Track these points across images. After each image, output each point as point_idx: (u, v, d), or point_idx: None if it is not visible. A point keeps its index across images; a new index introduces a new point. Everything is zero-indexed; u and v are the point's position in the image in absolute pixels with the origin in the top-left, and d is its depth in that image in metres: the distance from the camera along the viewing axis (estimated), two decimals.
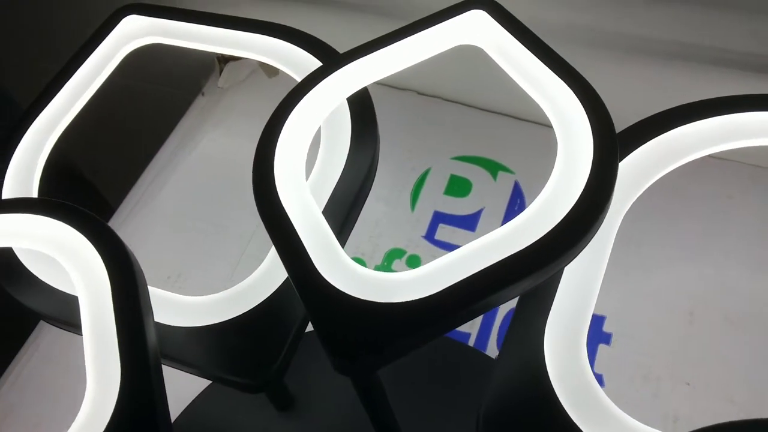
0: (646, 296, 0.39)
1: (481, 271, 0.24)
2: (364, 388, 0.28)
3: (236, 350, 0.29)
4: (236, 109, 0.54)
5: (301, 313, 0.31)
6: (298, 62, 0.39)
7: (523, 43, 0.31)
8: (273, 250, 0.33)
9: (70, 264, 0.27)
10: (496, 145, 0.48)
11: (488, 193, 0.46)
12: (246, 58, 0.56)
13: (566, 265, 0.26)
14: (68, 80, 0.41)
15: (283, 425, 0.36)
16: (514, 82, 0.32)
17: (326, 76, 0.32)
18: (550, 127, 0.52)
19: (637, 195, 0.31)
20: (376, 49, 0.33)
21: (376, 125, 0.35)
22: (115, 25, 0.43)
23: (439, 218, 0.46)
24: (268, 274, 0.31)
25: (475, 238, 0.50)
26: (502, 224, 0.45)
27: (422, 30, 0.33)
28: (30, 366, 0.45)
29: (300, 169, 0.29)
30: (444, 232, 0.45)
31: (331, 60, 0.33)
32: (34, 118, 0.39)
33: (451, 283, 0.24)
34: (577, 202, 0.25)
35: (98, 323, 0.25)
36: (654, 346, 0.39)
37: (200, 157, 0.52)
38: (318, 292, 0.24)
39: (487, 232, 0.51)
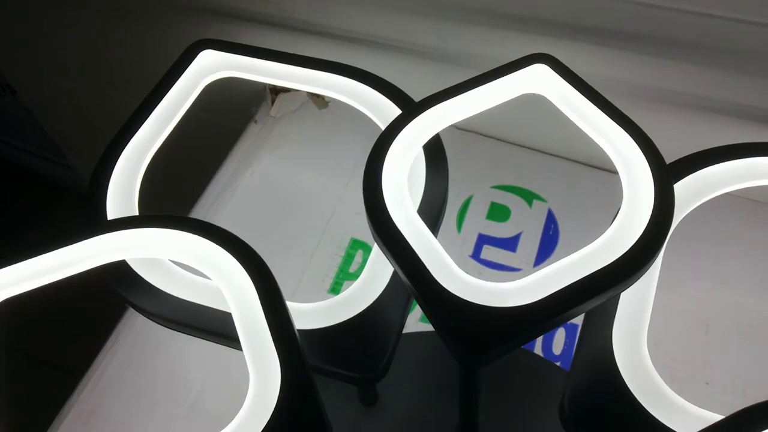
0: (668, 311, 0.45)
1: (575, 282, 0.29)
2: (471, 379, 0.33)
3: (349, 349, 0.34)
4: (289, 137, 0.59)
5: (400, 317, 0.36)
6: (374, 103, 0.44)
7: (580, 92, 0.37)
8: (370, 262, 0.38)
9: (216, 275, 0.32)
10: (530, 177, 0.54)
11: (525, 219, 0.52)
12: (298, 91, 0.61)
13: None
14: (154, 109, 0.45)
15: (369, 420, 0.40)
16: (573, 124, 0.37)
17: (411, 121, 0.37)
18: (578, 162, 0.59)
19: (683, 216, 0.37)
20: (452, 97, 0.38)
21: (446, 164, 0.40)
22: (193, 59, 0.48)
23: (483, 240, 0.51)
24: (369, 284, 0.36)
25: (515, 259, 0.56)
26: (539, 247, 0.51)
27: (492, 80, 0.38)
28: (109, 370, 0.48)
29: (405, 195, 0.34)
30: (488, 252, 0.51)
31: (410, 108, 0.38)
32: (125, 145, 0.43)
33: (553, 291, 0.29)
34: (646, 228, 0.31)
35: (250, 325, 0.30)
36: (677, 352, 0.45)
37: (259, 180, 0.56)
38: (443, 300, 0.29)
39: (526, 254, 0.57)
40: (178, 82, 0.47)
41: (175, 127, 0.45)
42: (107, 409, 0.47)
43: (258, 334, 0.29)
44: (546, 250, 0.51)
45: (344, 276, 0.50)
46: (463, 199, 0.53)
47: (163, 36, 0.64)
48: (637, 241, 0.30)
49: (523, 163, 0.55)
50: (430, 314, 0.29)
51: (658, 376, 0.31)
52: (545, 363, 0.44)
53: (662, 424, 0.29)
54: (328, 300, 0.35)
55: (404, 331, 0.36)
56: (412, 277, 0.30)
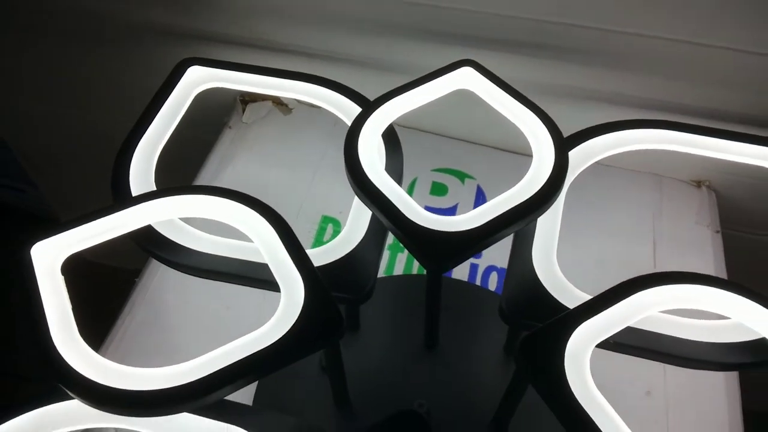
0: (573, 253, 0.58)
1: (506, 211, 0.41)
2: (434, 284, 0.44)
3: (343, 278, 0.44)
4: (260, 139, 0.69)
5: (377, 255, 0.47)
6: (339, 103, 0.55)
7: (498, 87, 0.50)
8: (351, 213, 0.48)
9: (244, 224, 0.42)
10: (461, 161, 0.67)
11: (460, 193, 0.65)
12: (266, 98, 0.72)
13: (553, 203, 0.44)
14: (157, 113, 0.54)
15: (354, 341, 0.51)
16: (492, 110, 0.50)
17: (373, 112, 0.49)
18: (496, 148, 0.72)
19: (576, 175, 0.50)
20: (401, 93, 0.50)
21: (400, 145, 0.52)
22: (183, 73, 0.57)
23: (428, 210, 0.64)
24: (352, 231, 0.47)
25: None
26: None
27: (431, 80, 0.51)
28: (129, 331, 0.56)
29: (377, 161, 0.45)
30: None
31: (370, 103, 0.50)
32: (138, 141, 0.52)
33: (488, 220, 0.41)
34: (549, 176, 0.43)
35: (276, 256, 0.40)
36: (578, 279, 0.58)
37: (239, 175, 0.66)
38: (413, 229, 0.40)
39: None
40: (173, 92, 0.56)
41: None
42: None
43: (282, 261, 0.40)
44: None
45: (319, 244, 0.61)
46: (409, 181, 0.66)
47: (145, 59, 0.73)
48: (543, 185, 0.43)
49: (455, 150, 0.68)
50: (404, 240, 0.41)
51: (563, 276, 0.44)
52: (485, 291, 0.57)
53: (564, 305, 0.42)
54: (324, 245, 0.46)
55: (379, 276, 0.47)
56: (390, 215, 0.41)
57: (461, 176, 0.66)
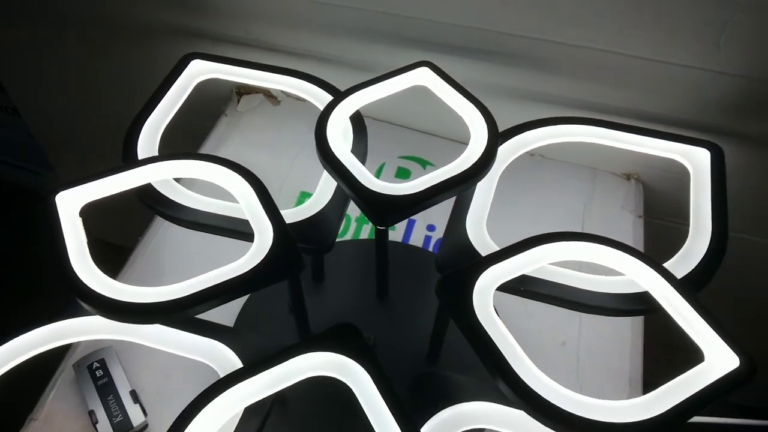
0: (504, 224, 0.67)
1: (440, 182, 0.50)
2: (382, 239, 0.53)
3: (310, 233, 0.53)
4: (252, 126, 0.79)
5: (339, 216, 0.56)
6: (315, 94, 0.65)
7: (449, 84, 0.59)
8: (320, 183, 0.57)
9: (229, 183, 0.51)
10: (422, 149, 0.77)
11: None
12: (258, 91, 0.81)
13: (478, 182, 0.53)
14: (163, 97, 0.63)
15: (318, 290, 0.60)
16: (444, 105, 0.59)
17: (342, 101, 0.58)
18: (449, 139, 0.80)
19: (510, 160, 0.59)
20: (367, 87, 0.59)
21: (365, 129, 0.61)
22: (186, 65, 0.67)
23: None
24: (320, 197, 0.56)
25: None
26: None
27: (393, 77, 0.60)
28: (131, 279, 0.66)
29: (342, 137, 0.54)
30: None
31: (340, 93, 0.59)
32: (146, 119, 0.61)
33: (431, 185, 0.50)
34: (483, 152, 0.52)
35: (253, 210, 0.49)
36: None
37: (232, 155, 0.75)
38: (367, 194, 0.49)
39: None
40: (178, 80, 0.65)
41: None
42: None
43: (257, 211, 0.49)
44: None
45: None
46: (377, 166, 0.75)
47: (153, 55, 0.83)
48: (473, 164, 0.51)
49: (418, 141, 0.78)
50: (358, 201, 0.50)
51: (489, 238, 0.53)
52: (431, 254, 0.66)
53: (486, 257, 0.51)
54: (296, 208, 0.55)
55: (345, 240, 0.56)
56: (347, 181, 0.50)
57: (423, 163, 0.75)
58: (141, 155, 0.57)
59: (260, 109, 0.81)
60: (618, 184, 0.74)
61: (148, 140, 0.58)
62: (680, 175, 0.57)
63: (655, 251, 0.51)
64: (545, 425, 0.40)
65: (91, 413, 0.53)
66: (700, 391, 0.40)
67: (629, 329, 0.61)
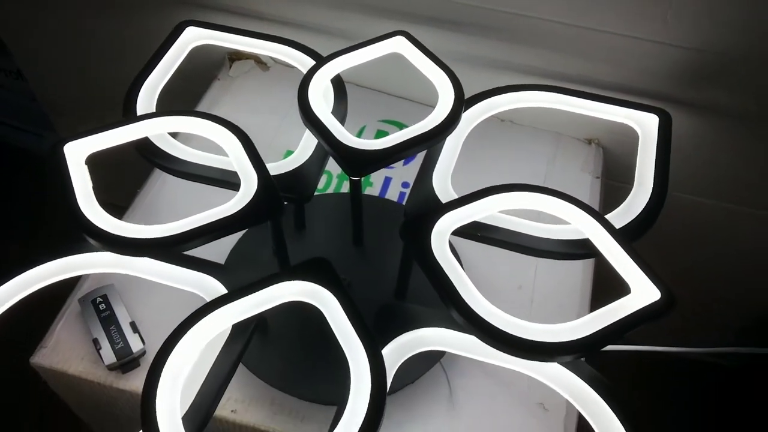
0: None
1: (407, 139, 0.56)
2: (356, 189, 0.59)
3: (293, 184, 0.59)
4: (243, 89, 0.84)
5: (318, 169, 0.61)
6: (300, 59, 0.70)
7: (423, 53, 0.64)
8: (302, 140, 0.63)
9: (219, 137, 0.56)
10: (401, 114, 0.82)
11: None
12: (249, 58, 0.86)
13: (446, 138, 0.58)
14: (160, 61, 0.68)
15: (299, 237, 0.66)
16: (420, 72, 0.64)
17: (324, 65, 0.63)
18: (423, 104, 0.86)
19: (477, 122, 0.64)
20: (347, 53, 0.64)
21: (345, 91, 0.66)
22: (182, 32, 0.71)
23: None
24: (301, 153, 0.62)
25: (395, 166, 0.82)
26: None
27: (371, 44, 0.65)
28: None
29: (323, 98, 0.59)
30: None
31: (322, 59, 0.64)
32: (145, 80, 0.66)
33: (399, 141, 0.55)
34: (448, 114, 0.57)
35: (240, 161, 0.55)
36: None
37: (223, 116, 0.80)
38: (343, 149, 0.54)
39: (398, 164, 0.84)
40: (174, 45, 0.69)
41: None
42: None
43: (244, 162, 0.55)
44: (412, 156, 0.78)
45: None
46: (359, 128, 0.80)
47: (151, 22, 0.87)
48: (442, 120, 0.57)
49: (397, 106, 0.83)
50: (335, 155, 0.55)
51: (452, 190, 0.59)
52: (399, 205, 0.72)
53: (444, 204, 0.56)
54: (280, 162, 0.61)
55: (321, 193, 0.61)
56: (325, 137, 0.56)
57: (400, 126, 0.81)
58: (140, 113, 0.63)
59: (251, 74, 0.85)
60: (579, 148, 0.79)
61: (147, 100, 0.63)
62: (636, 140, 0.62)
63: (612, 209, 0.57)
64: (489, 345, 0.46)
65: (95, 341, 0.59)
66: (625, 317, 0.46)
67: (580, 277, 0.68)
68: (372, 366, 0.43)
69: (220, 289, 0.52)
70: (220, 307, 0.46)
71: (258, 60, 0.86)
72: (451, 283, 0.47)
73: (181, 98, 0.72)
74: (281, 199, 0.53)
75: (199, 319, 0.45)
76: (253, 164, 0.54)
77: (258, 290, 0.47)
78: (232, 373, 0.47)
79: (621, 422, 0.47)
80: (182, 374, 0.43)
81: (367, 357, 0.43)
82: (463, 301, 0.47)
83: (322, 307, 0.46)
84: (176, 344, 0.44)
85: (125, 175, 0.77)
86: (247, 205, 0.51)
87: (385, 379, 0.43)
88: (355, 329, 0.45)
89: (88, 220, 0.50)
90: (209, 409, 0.45)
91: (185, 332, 0.44)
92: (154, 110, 0.63)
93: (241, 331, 0.47)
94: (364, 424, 0.40)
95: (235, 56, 0.86)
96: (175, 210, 0.72)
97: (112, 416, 0.64)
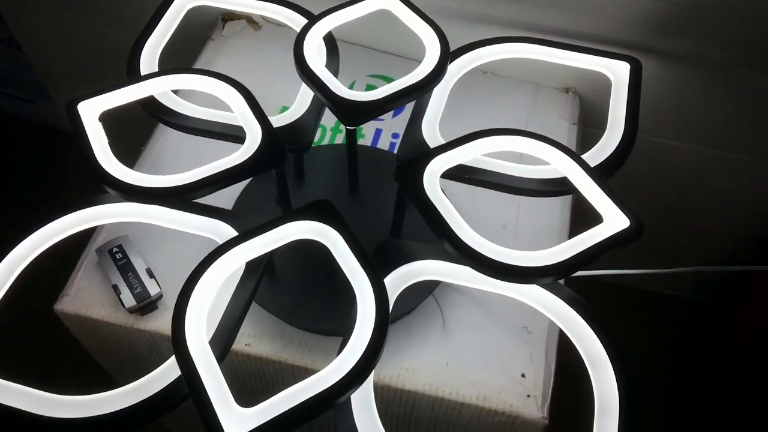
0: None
1: (397, 90, 0.60)
2: (352, 138, 0.63)
3: (293, 136, 0.63)
4: (236, 48, 0.86)
5: (315, 121, 0.65)
6: (293, 18, 0.72)
7: (409, 8, 0.67)
8: (299, 94, 0.66)
9: (223, 93, 0.60)
10: (389, 69, 0.85)
11: None
12: (241, 18, 0.89)
13: (433, 89, 0.62)
14: (160, 20, 0.70)
15: (299, 187, 0.71)
16: (407, 27, 0.67)
17: (316, 23, 0.66)
18: (410, 59, 0.89)
19: (462, 73, 0.68)
20: (338, 10, 0.67)
21: (337, 48, 0.69)
22: None
23: None
24: (299, 106, 0.65)
25: (385, 119, 0.86)
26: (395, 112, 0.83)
27: (359, 1, 0.68)
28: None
29: (317, 54, 0.63)
30: None
31: (315, 17, 0.67)
32: (146, 40, 0.68)
33: (391, 92, 0.59)
34: (435, 66, 0.61)
35: (244, 116, 0.58)
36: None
37: None
38: (338, 100, 0.58)
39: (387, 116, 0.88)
40: (170, 7, 0.71)
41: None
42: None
43: (248, 115, 0.58)
44: (400, 108, 0.82)
45: None
46: (348, 83, 0.84)
47: None
48: (430, 72, 0.61)
49: (385, 61, 0.86)
50: (331, 106, 0.58)
51: (440, 137, 0.63)
52: (390, 154, 0.77)
53: (434, 148, 0.60)
54: (279, 115, 0.64)
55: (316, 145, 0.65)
56: (321, 90, 0.59)
57: (388, 80, 0.84)
58: (144, 72, 0.66)
59: (243, 33, 0.88)
60: (557, 97, 0.84)
61: (149, 61, 0.66)
62: (609, 88, 0.66)
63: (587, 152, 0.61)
64: (479, 272, 0.51)
65: (115, 287, 0.63)
66: (599, 242, 0.51)
67: (558, 214, 0.73)
68: (376, 292, 0.48)
69: (232, 233, 0.56)
70: (236, 245, 0.50)
71: (250, 20, 0.89)
72: (444, 219, 0.52)
73: (177, 59, 0.74)
74: (284, 148, 0.57)
75: (218, 257, 0.49)
76: (256, 117, 0.58)
77: (269, 230, 0.51)
78: (248, 307, 0.52)
79: (595, 333, 0.53)
80: (205, 307, 0.47)
81: (371, 285, 0.48)
82: (455, 234, 0.51)
83: (328, 244, 0.51)
84: (198, 280, 0.48)
85: (124, 141, 0.80)
86: (254, 155, 0.55)
87: (387, 302, 0.47)
88: (359, 261, 0.49)
89: (108, 172, 0.53)
90: (229, 340, 0.50)
91: (206, 269, 0.49)
92: (156, 68, 0.66)
93: (253, 268, 0.52)
94: (371, 341, 0.45)
95: (228, 17, 0.88)
96: (179, 163, 0.75)
97: (132, 357, 0.69)
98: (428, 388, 0.61)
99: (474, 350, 0.63)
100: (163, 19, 0.70)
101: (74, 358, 0.76)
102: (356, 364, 0.44)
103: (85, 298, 0.65)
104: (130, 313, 0.63)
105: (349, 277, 0.49)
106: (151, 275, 0.64)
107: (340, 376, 0.44)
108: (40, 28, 1.08)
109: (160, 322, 0.63)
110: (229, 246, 0.50)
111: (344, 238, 0.51)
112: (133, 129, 0.70)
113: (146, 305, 0.63)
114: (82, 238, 0.65)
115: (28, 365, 0.71)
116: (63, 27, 1.06)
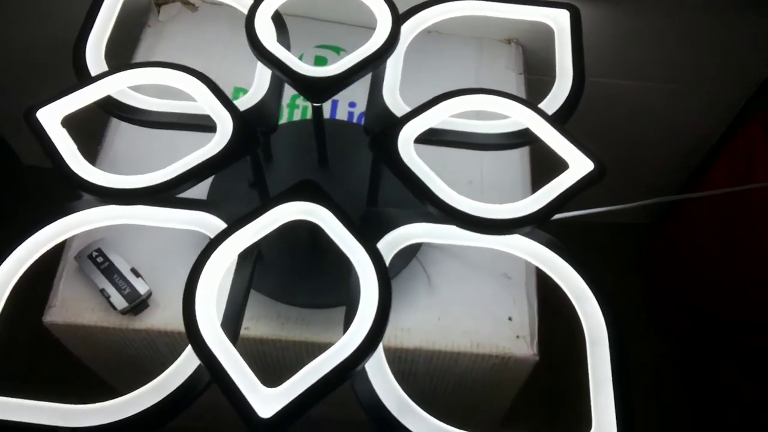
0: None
1: (355, 63, 0.60)
2: (318, 114, 0.64)
3: (258, 119, 0.63)
4: (176, 32, 0.84)
5: (277, 102, 0.65)
6: None
7: None
8: (256, 75, 0.66)
9: (185, 84, 0.59)
10: (334, 38, 0.86)
11: None
12: (174, 1, 0.86)
13: (388, 58, 0.63)
14: (97, 17, 0.68)
15: (268, 168, 0.71)
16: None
17: (264, 1, 0.66)
18: (357, 26, 0.90)
19: (411, 37, 0.69)
20: None
21: (286, 25, 0.69)
22: None
23: None
24: (258, 87, 0.65)
25: None
26: None
27: None
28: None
29: (270, 34, 0.62)
30: None
31: None
32: (88, 34, 0.65)
33: (352, 65, 0.60)
34: (389, 34, 0.62)
35: (211, 105, 0.58)
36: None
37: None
38: (299, 77, 0.59)
39: None
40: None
41: None
42: None
43: (214, 104, 0.58)
44: None
45: None
46: (296, 56, 0.83)
47: None
48: (383, 42, 0.62)
49: (331, 31, 0.86)
50: (294, 84, 0.59)
51: (402, 102, 0.64)
52: (351, 124, 0.78)
53: (402, 116, 0.62)
54: (241, 98, 0.64)
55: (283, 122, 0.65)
56: (283, 69, 0.59)
57: (336, 50, 0.85)
58: (92, 71, 0.64)
59: (180, 16, 0.86)
60: (502, 49, 0.86)
61: (94, 57, 0.64)
62: (550, 35, 0.69)
63: (535, 100, 0.64)
64: (463, 228, 0.53)
65: (103, 291, 0.63)
66: (569, 187, 0.54)
67: (519, 166, 0.76)
68: (374, 262, 0.50)
69: (218, 223, 0.56)
70: (231, 234, 0.51)
71: (184, 1, 0.87)
72: (425, 183, 0.54)
73: (115, 49, 0.73)
74: (257, 133, 0.57)
75: (216, 248, 0.50)
76: (224, 105, 0.58)
77: (260, 215, 0.52)
78: (249, 290, 0.53)
79: (576, 271, 0.57)
80: (213, 297, 0.48)
81: (368, 255, 0.50)
82: (438, 197, 0.54)
83: (319, 221, 0.52)
84: (201, 273, 0.49)
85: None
86: (229, 143, 0.56)
87: (387, 270, 0.50)
88: (353, 235, 0.51)
89: (85, 179, 0.53)
90: (237, 325, 0.51)
91: (206, 261, 0.49)
92: (105, 67, 0.64)
93: (247, 254, 0.53)
94: (379, 308, 0.48)
95: (162, 0, 0.86)
96: (139, 158, 0.75)
97: (128, 358, 0.69)
98: (425, 344, 0.64)
99: (461, 302, 0.66)
100: (101, 11, 0.68)
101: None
102: (368, 332, 0.47)
103: (74, 306, 0.64)
104: (122, 314, 0.63)
105: (345, 251, 0.51)
106: (137, 274, 0.64)
107: (356, 346, 0.46)
108: None
109: (154, 319, 0.64)
110: (225, 236, 0.51)
111: (334, 214, 0.52)
112: (81, 127, 0.68)
113: (138, 305, 0.63)
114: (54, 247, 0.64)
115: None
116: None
